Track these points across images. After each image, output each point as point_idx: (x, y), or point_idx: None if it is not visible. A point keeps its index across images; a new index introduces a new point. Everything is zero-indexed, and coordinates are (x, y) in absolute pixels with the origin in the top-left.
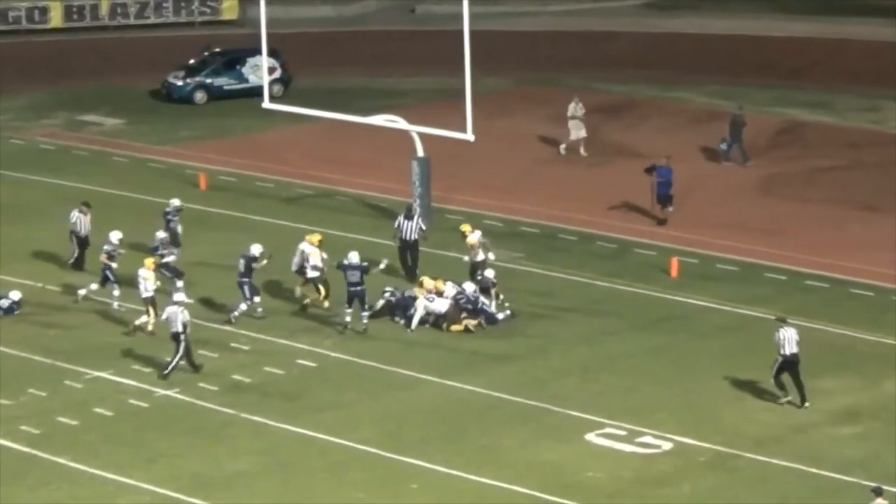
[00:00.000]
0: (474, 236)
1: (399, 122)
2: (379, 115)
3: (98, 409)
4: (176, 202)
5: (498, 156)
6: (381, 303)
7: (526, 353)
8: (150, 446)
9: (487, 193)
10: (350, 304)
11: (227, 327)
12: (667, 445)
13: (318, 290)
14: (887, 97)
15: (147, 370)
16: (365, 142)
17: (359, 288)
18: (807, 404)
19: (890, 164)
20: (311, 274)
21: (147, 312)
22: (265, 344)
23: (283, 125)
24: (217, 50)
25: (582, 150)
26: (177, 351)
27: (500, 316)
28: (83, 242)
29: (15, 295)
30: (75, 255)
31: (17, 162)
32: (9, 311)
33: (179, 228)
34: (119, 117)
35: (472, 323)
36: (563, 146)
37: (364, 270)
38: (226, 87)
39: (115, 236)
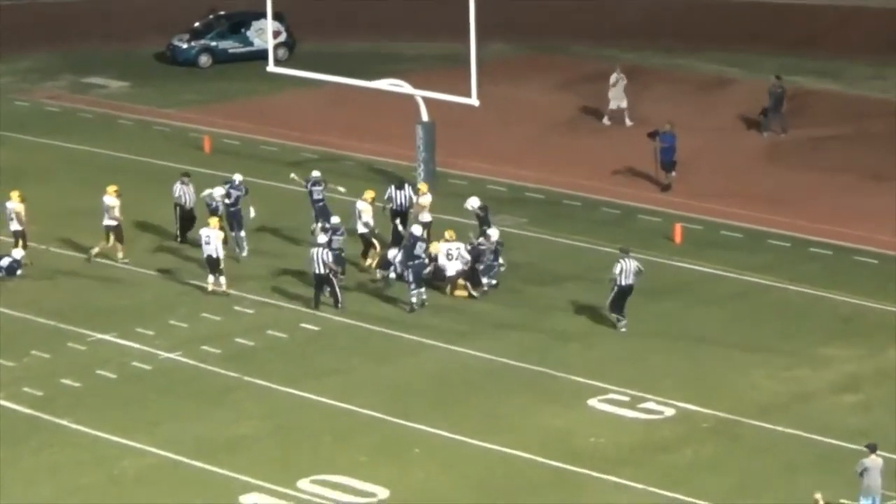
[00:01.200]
0: (426, 198)
1: (404, 87)
2: (384, 79)
3: (101, 372)
4: (316, 173)
5: (503, 122)
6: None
7: (529, 319)
8: (153, 409)
9: (492, 159)
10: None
11: (230, 290)
12: (669, 412)
13: (373, 246)
14: (894, 66)
15: (150, 333)
16: (370, 106)
17: (417, 261)
18: (624, 324)
19: None
20: (361, 230)
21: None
22: (269, 308)
23: (288, 89)
24: (222, 13)
25: (627, 120)
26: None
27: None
28: (187, 215)
29: (17, 253)
30: (178, 228)
31: (23, 124)
32: (10, 270)
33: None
34: (124, 80)
35: (472, 289)
36: (606, 117)
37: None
38: (231, 51)
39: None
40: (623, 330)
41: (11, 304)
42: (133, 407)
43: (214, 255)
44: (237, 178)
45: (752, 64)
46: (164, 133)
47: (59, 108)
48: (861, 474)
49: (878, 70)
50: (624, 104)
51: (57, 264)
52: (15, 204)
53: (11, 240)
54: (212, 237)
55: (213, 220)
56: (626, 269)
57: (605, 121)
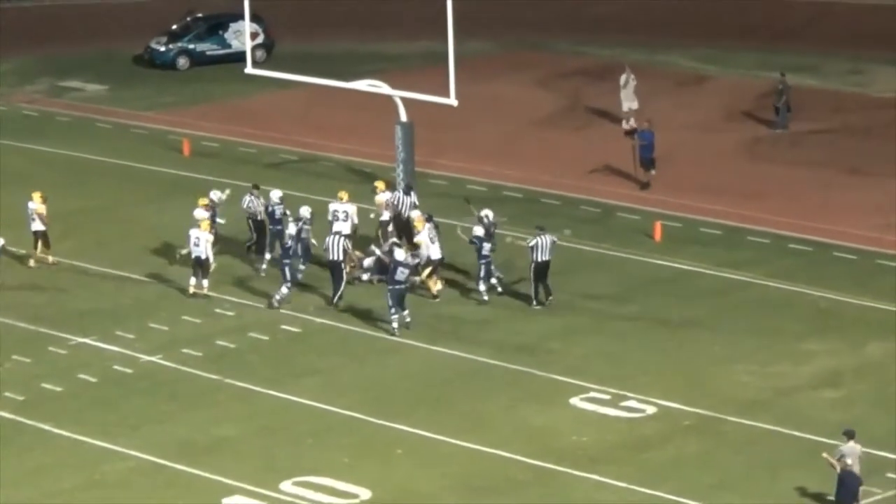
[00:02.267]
0: (382, 196)
1: (382, 87)
2: (362, 79)
3: (83, 376)
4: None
5: (482, 120)
6: (368, 260)
7: (510, 317)
8: (134, 412)
9: (471, 158)
10: (396, 306)
11: (211, 293)
12: (651, 409)
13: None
14: (872, 60)
15: (131, 336)
16: (348, 107)
17: (398, 286)
18: (551, 298)
19: (874, 128)
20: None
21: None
22: (249, 310)
23: (267, 91)
24: (199, 15)
25: (633, 122)
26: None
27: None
28: (260, 226)
29: None
30: (254, 239)
31: (1, 129)
32: None
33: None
34: (102, 83)
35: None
36: (623, 121)
37: (414, 269)
38: (208, 53)
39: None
40: (536, 307)
41: None
42: (114, 410)
43: (203, 257)
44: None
45: (730, 60)
46: (143, 136)
47: (37, 111)
48: (839, 460)
49: (855, 64)
50: (635, 105)
51: (36, 269)
52: (36, 204)
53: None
54: (201, 239)
55: (204, 223)
56: (542, 245)
57: (624, 125)
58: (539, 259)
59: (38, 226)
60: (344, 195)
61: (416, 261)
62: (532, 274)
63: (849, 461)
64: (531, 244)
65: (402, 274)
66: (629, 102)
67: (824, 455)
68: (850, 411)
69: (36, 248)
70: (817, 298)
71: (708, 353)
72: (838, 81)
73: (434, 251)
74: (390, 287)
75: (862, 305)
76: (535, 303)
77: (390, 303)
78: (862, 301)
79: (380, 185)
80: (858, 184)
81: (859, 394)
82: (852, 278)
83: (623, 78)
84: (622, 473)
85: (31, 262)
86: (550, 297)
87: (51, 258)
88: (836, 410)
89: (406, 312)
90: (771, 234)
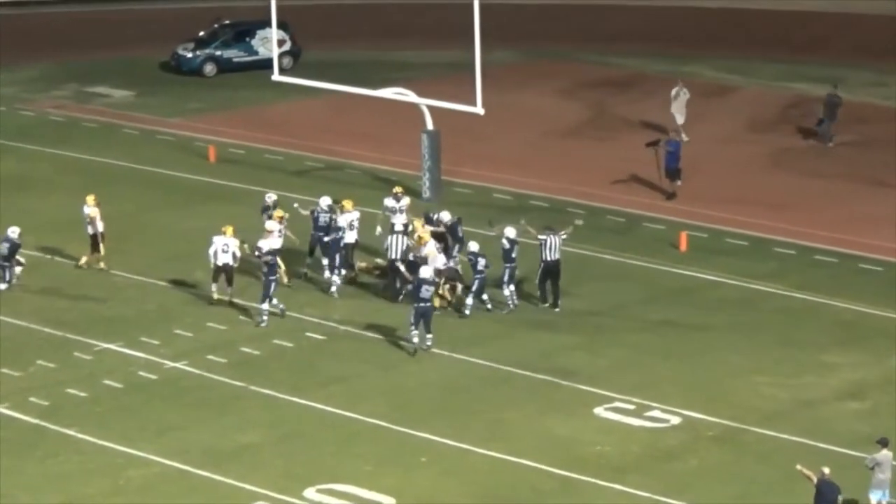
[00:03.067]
0: (404, 201)
1: (409, 95)
2: (388, 87)
3: (107, 381)
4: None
5: (507, 129)
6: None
7: (535, 326)
8: (158, 418)
9: (496, 167)
10: (417, 324)
11: (235, 299)
12: (675, 420)
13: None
14: (894, 72)
15: (155, 342)
16: (374, 115)
17: (423, 304)
18: (557, 309)
19: None
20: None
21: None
22: (274, 316)
23: (293, 98)
24: (227, 22)
25: (683, 136)
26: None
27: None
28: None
29: (13, 232)
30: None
31: (26, 134)
32: (13, 251)
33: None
34: (128, 89)
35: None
36: (683, 134)
37: (437, 286)
38: (235, 60)
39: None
40: (544, 306)
41: (17, 314)
42: (138, 416)
43: (231, 263)
44: (326, 201)
45: (754, 71)
46: (169, 142)
47: (64, 117)
48: (872, 469)
49: (880, 77)
50: (682, 119)
51: (62, 274)
52: (90, 208)
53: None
54: (229, 245)
55: (229, 229)
56: (552, 244)
57: (684, 136)
58: (549, 258)
59: (91, 229)
60: (399, 189)
61: (439, 279)
62: (540, 273)
63: (881, 474)
64: (540, 241)
65: (426, 292)
66: (680, 116)
67: (798, 467)
68: (874, 423)
69: (92, 251)
70: (842, 310)
71: (732, 363)
72: (862, 93)
73: (439, 262)
74: (415, 305)
75: (887, 317)
76: (542, 303)
77: (412, 320)
78: (887, 313)
79: (398, 189)
80: (883, 195)
81: (884, 405)
82: (877, 290)
83: (674, 91)
84: (645, 483)
85: (82, 261)
86: (559, 303)
87: (102, 264)
88: (859, 422)
89: (430, 336)
90: (796, 245)
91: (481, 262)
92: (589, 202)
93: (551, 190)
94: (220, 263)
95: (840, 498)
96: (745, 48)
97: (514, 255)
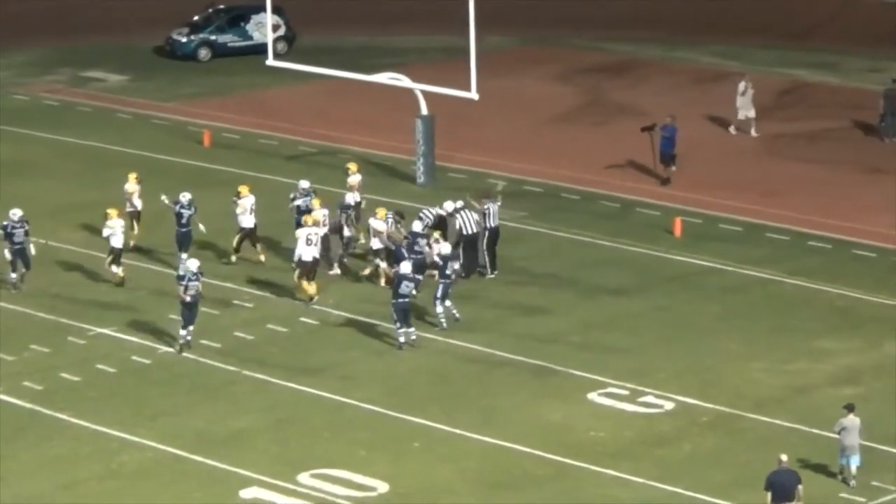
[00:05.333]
0: (355, 178)
1: (403, 81)
2: (383, 73)
3: (101, 366)
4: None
5: (502, 115)
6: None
7: (528, 312)
8: (152, 403)
9: (491, 152)
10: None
11: (228, 284)
12: (669, 405)
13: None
14: (891, 58)
15: (149, 327)
16: (369, 100)
17: (402, 300)
18: (493, 275)
19: None
20: (376, 247)
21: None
22: (268, 302)
23: (287, 83)
24: (221, 7)
25: (753, 131)
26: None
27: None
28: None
29: (14, 213)
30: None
31: (21, 118)
32: (12, 232)
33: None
34: (123, 74)
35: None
36: (732, 126)
37: (418, 283)
38: (230, 45)
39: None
40: (492, 276)
41: (11, 299)
42: (132, 401)
43: (318, 257)
44: (305, 183)
45: (749, 56)
46: (164, 127)
47: (58, 101)
48: (839, 433)
49: (874, 62)
50: (752, 114)
51: (56, 258)
52: (129, 185)
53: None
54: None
55: (310, 218)
56: (493, 211)
57: (732, 130)
58: (492, 225)
59: (129, 206)
60: (352, 165)
61: (420, 277)
62: (487, 241)
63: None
64: (484, 211)
65: (406, 288)
66: (746, 111)
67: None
68: (868, 409)
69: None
70: (836, 296)
71: (726, 349)
72: (857, 79)
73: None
74: (394, 301)
75: (881, 303)
76: (491, 271)
77: (395, 317)
78: (881, 299)
79: (352, 166)
80: (877, 181)
81: (877, 391)
82: (871, 276)
83: (742, 86)
84: (639, 469)
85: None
86: (496, 272)
87: (131, 241)
88: None
89: (412, 330)
90: (790, 231)
91: (450, 266)
92: (583, 187)
93: (546, 175)
94: (306, 258)
95: (799, 487)
96: (741, 34)
97: (447, 272)
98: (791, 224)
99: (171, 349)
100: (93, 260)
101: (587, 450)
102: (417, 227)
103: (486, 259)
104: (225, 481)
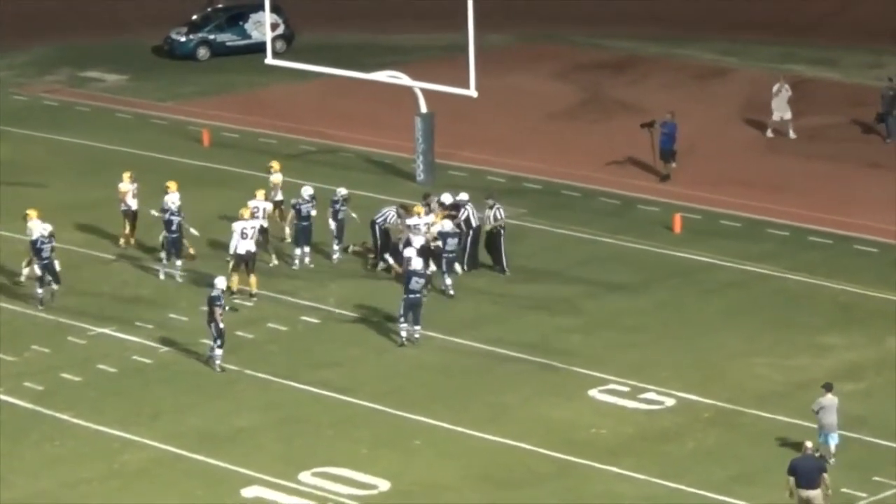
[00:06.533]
0: (277, 176)
1: (402, 79)
2: (382, 71)
3: (101, 366)
4: (343, 191)
5: (501, 112)
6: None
7: (530, 309)
8: (153, 402)
9: (491, 150)
10: (406, 315)
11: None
12: (670, 402)
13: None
14: (893, 54)
15: (150, 326)
16: (368, 98)
17: (412, 296)
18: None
19: None
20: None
21: None
22: (269, 300)
23: (286, 81)
24: (220, 6)
25: (791, 132)
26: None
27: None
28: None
29: (45, 228)
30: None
31: (20, 118)
32: (41, 248)
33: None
34: (122, 73)
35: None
36: (769, 130)
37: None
38: (229, 44)
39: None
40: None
41: (11, 299)
42: (133, 400)
43: (253, 250)
44: (307, 191)
45: (749, 52)
46: (163, 126)
47: (57, 101)
48: (818, 413)
49: (876, 58)
50: (788, 115)
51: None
52: (123, 184)
53: None
54: (248, 229)
55: (246, 211)
56: (491, 214)
57: (769, 133)
58: (488, 228)
59: (124, 207)
60: (274, 164)
61: (430, 271)
62: (486, 242)
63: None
64: (483, 217)
65: (416, 284)
66: (781, 112)
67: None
68: (870, 404)
69: (126, 229)
70: (837, 292)
71: (727, 345)
72: (859, 75)
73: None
74: (405, 296)
75: (882, 298)
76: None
77: (401, 311)
78: (882, 294)
79: (275, 165)
80: (878, 177)
81: (879, 387)
82: (873, 272)
83: (776, 87)
84: (641, 466)
85: (122, 243)
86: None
87: (132, 240)
88: (855, 403)
89: (418, 328)
90: (791, 226)
91: (451, 242)
92: (583, 184)
93: (545, 172)
94: (238, 253)
95: (825, 475)
96: (741, 30)
97: (449, 248)
98: (792, 220)
99: (171, 348)
100: (92, 260)
101: (589, 447)
102: (447, 226)
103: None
104: (227, 480)
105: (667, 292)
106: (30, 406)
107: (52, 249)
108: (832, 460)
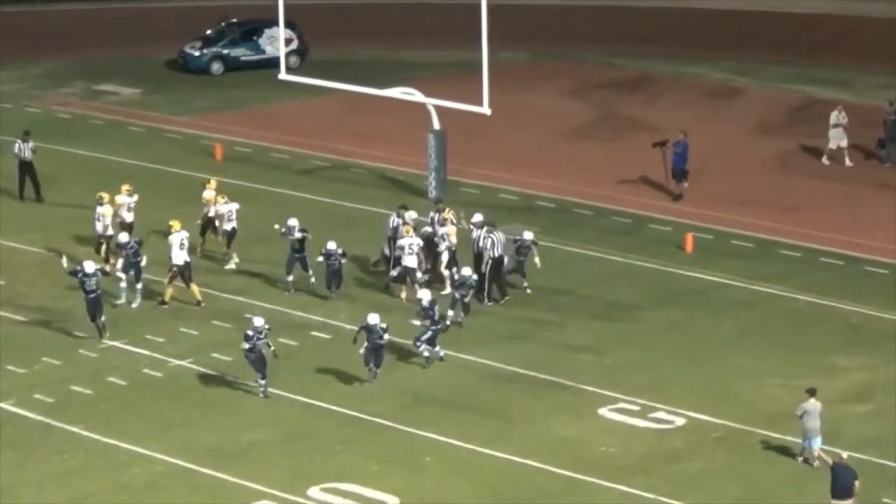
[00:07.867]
0: (209, 193)
1: (415, 95)
2: (395, 87)
3: (112, 379)
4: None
5: (514, 130)
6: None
7: (540, 327)
8: (163, 416)
9: (503, 167)
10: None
11: (240, 298)
12: (680, 421)
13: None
14: None
15: (160, 340)
16: (381, 114)
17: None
18: (507, 298)
19: None
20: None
21: None
22: (280, 315)
23: (300, 97)
24: (234, 21)
25: (847, 160)
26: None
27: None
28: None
29: (89, 267)
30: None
31: (33, 131)
32: (83, 280)
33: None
34: (136, 87)
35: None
36: (825, 157)
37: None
38: (242, 58)
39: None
40: (488, 304)
41: (22, 312)
42: (143, 414)
43: (189, 260)
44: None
45: (762, 73)
46: (176, 140)
47: (71, 114)
48: (801, 417)
49: (888, 79)
50: (844, 143)
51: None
52: (120, 196)
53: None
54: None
55: (177, 224)
56: (496, 240)
57: (825, 160)
58: (495, 255)
59: (118, 219)
60: (211, 182)
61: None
62: (490, 271)
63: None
64: (487, 244)
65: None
66: (838, 140)
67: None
68: (879, 425)
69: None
70: (848, 313)
71: (737, 365)
72: (870, 96)
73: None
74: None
75: (893, 320)
76: (486, 300)
77: (424, 338)
78: (893, 316)
79: (212, 183)
80: (890, 198)
81: (888, 408)
82: (884, 293)
83: (833, 116)
84: (650, 485)
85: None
86: (507, 297)
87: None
88: (865, 425)
89: (438, 348)
90: (802, 247)
91: (437, 310)
92: (595, 203)
93: (558, 190)
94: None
95: (856, 483)
96: (753, 50)
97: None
98: (803, 240)
99: (181, 362)
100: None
101: (598, 465)
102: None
103: (487, 287)
104: (235, 494)
105: (678, 312)
106: (39, 418)
107: (97, 284)
108: (816, 463)
